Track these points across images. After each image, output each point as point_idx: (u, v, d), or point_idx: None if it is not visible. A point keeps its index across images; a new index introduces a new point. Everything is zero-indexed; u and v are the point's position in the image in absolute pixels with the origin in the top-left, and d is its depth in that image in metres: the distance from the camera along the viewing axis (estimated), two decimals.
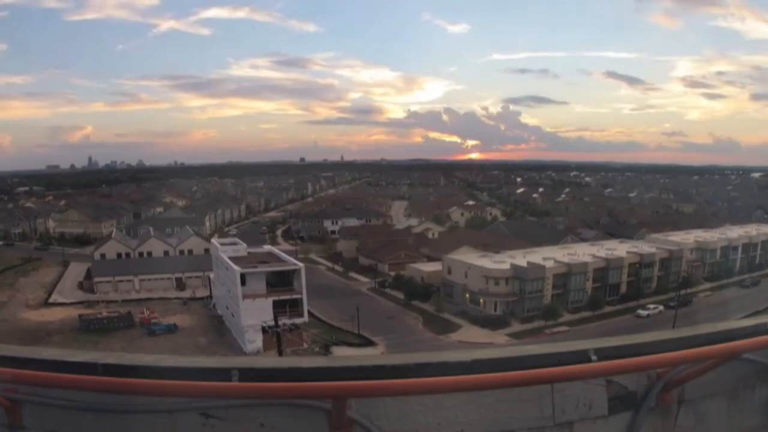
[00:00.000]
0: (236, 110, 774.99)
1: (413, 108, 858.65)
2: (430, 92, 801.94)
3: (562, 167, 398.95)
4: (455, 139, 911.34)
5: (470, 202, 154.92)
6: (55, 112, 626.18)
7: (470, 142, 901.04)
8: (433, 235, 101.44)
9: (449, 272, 70.97)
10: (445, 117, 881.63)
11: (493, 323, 62.00)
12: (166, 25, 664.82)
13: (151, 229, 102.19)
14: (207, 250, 79.24)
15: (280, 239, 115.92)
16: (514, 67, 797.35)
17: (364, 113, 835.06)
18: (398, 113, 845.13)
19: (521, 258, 69.07)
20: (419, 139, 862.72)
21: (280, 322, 47.68)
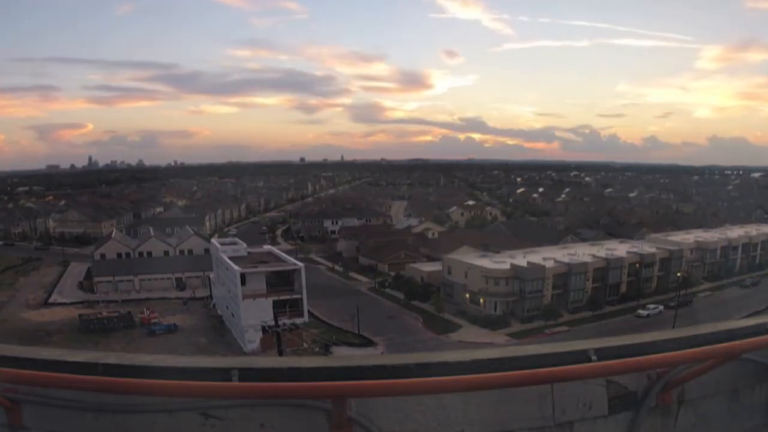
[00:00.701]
0: (230, 107, 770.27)
1: (414, 106, 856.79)
2: (432, 89, 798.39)
3: (563, 167, 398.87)
4: (458, 136, 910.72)
5: (470, 202, 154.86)
6: (38, 109, 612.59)
7: (473, 136, 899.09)
8: (433, 235, 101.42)
9: (449, 272, 70.93)
10: (447, 116, 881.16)
11: (493, 323, 61.95)
12: (126, 7, 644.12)
13: (151, 229, 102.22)
14: (207, 250, 79.19)
15: (280, 239, 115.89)
16: (527, 56, 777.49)
17: (365, 111, 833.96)
18: (399, 111, 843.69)
19: (521, 258, 69.03)
20: (419, 138, 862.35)
21: (280, 322, 47.62)
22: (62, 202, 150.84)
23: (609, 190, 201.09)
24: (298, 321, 53.88)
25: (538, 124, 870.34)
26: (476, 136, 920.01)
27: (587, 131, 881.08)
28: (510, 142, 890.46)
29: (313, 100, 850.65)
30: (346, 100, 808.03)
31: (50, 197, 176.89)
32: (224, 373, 2.85)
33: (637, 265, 72.29)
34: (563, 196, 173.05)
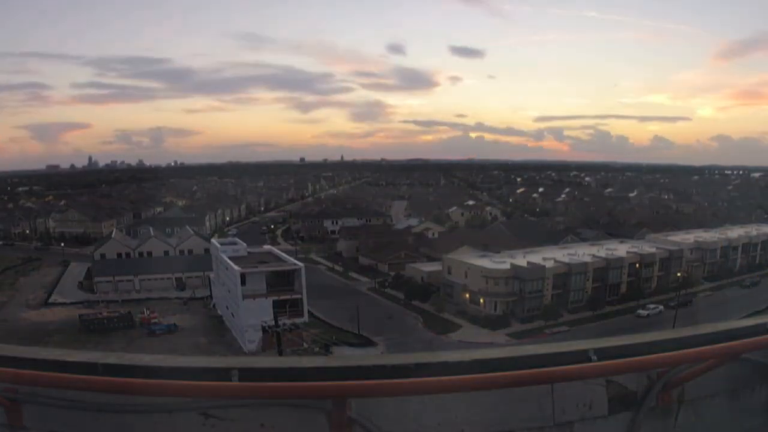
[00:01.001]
0: (227, 104, 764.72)
1: (414, 104, 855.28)
2: (432, 87, 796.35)
3: (563, 167, 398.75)
4: (458, 136, 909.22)
5: (470, 202, 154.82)
6: (29, 107, 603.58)
7: (473, 135, 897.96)
8: (433, 235, 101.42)
9: (449, 272, 70.91)
10: (447, 115, 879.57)
11: (493, 323, 61.93)
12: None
13: (151, 229, 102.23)
14: (207, 250, 79.18)
15: (280, 239, 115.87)
16: (531, 52, 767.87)
17: (365, 110, 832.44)
18: (399, 110, 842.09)
19: (521, 258, 69.04)
20: (419, 138, 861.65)
21: (280, 322, 47.65)
22: (62, 202, 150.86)
23: (609, 190, 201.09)
24: (298, 321, 53.89)
25: (539, 124, 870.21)
26: (476, 135, 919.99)
27: (590, 131, 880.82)
28: (510, 141, 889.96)
29: (311, 98, 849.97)
30: (346, 98, 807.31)
31: (50, 197, 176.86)
32: (224, 373, 2.85)
33: (637, 265, 72.27)
34: (563, 196, 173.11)
